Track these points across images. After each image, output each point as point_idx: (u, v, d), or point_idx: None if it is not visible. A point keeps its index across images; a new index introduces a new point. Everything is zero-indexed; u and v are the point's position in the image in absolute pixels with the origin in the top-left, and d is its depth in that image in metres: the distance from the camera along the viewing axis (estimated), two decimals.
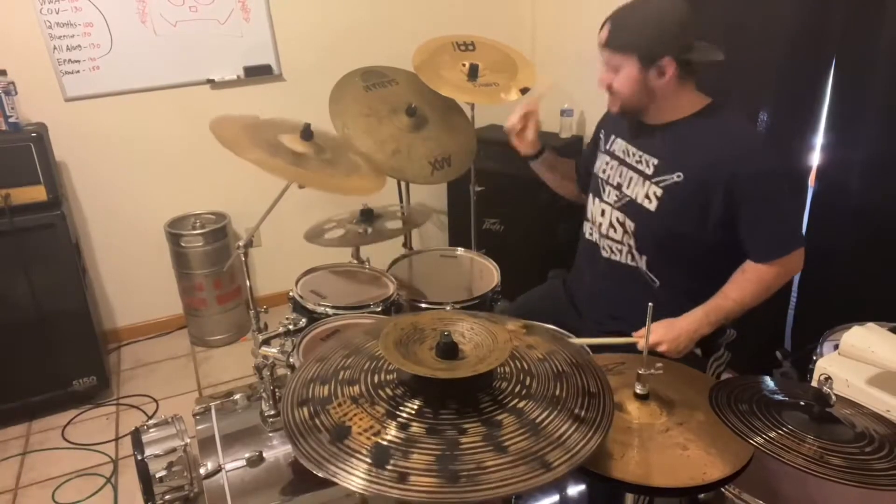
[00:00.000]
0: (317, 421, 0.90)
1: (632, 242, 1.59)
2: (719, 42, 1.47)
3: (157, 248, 2.96)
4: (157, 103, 2.82)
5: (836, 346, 1.45)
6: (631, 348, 1.39)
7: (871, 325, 1.46)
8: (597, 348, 1.34)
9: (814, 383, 1.11)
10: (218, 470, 1.46)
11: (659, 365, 1.10)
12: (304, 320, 1.68)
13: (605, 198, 1.65)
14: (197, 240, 2.87)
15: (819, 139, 2.08)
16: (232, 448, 1.54)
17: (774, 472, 1.13)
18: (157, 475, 1.47)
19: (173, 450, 1.49)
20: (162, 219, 2.93)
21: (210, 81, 2.88)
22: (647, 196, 1.54)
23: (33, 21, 2.53)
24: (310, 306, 1.70)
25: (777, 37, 2.06)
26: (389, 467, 0.81)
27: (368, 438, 0.86)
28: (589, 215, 1.72)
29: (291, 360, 1.51)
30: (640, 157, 1.57)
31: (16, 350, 2.44)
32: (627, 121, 1.63)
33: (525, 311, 1.78)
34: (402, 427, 0.88)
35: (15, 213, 2.31)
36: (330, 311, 1.68)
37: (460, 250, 2.11)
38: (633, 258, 1.60)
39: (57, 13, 2.55)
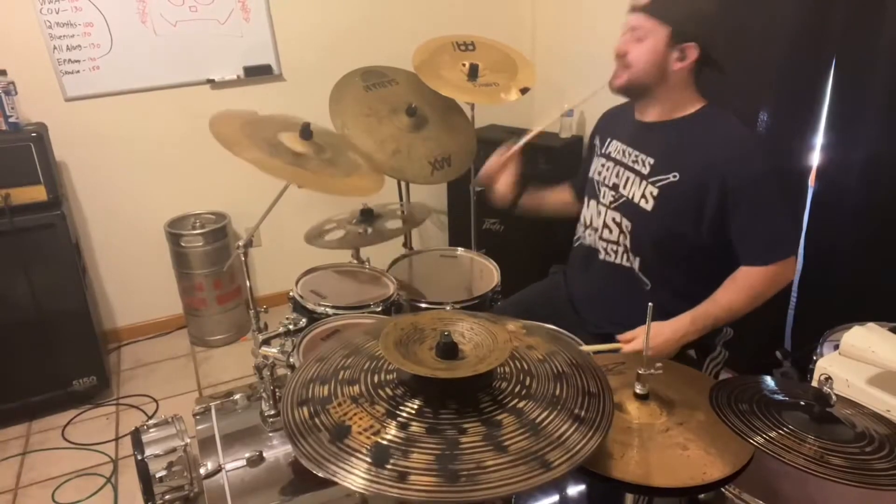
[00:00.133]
0: (317, 421, 0.90)
1: (627, 243, 1.59)
2: (719, 42, 1.47)
3: (157, 248, 2.96)
4: (157, 103, 2.82)
5: (837, 346, 1.45)
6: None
7: (871, 325, 1.46)
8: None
9: (814, 383, 1.11)
10: (218, 470, 1.46)
11: (659, 365, 1.10)
12: (304, 320, 1.68)
13: (602, 199, 1.65)
14: (197, 240, 2.87)
15: (819, 139, 2.08)
16: (232, 448, 1.54)
17: (774, 472, 1.13)
18: (158, 475, 1.47)
19: (173, 450, 1.49)
20: (162, 219, 2.93)
21: (210, 81, 2.88)
22: (643, 196, 1.54)
23: (33, 21, 2.53)
24: (310, 306, 1.70)
25: (777, 37, 2.06)
26: (389, 467, 0.81)
27: (368, 438, 0.86)
28: (583, 219, 1.72)
29: (291, 360, 1.51)
30: (637, 156, 1.57)
31: (16, 350, 2.44)
32: (626, 120, 1.63)
33: (523, 307, 1.77)
34: (402, 427, 0.88)
35: (15, 213, 2.31)
36: (330, 311, 1.68)
37: (460, 250, 2.11)
38: (627, 259, 1.60)
39: (57, 13, 2.55)
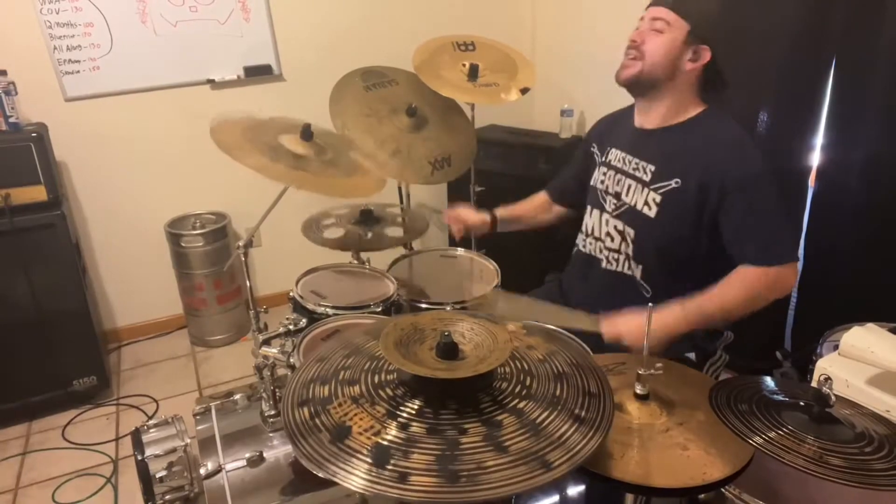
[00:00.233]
0: (317, 421, 0.90)
1: (629, 251, 1.58)
2: (719, 42, 1.48)
3: (157, 248, 2.96)
4: (157, 103, 2.82)
5: (836, 347, 1.45)
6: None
7: (871, 325, 1.46)
8: (596, 349, 1.33)
9: (814, 383, 1.11)
10: (218, 470, 1.46)
11: (659, 365, 1.10)
12: (304, 320, 1.67)
13: (605, 207, 1.65)
14: (197, 240, 2.87)
15: (819, 139, 2.08)
16: (232, 448, 1.54)
17: (774, 472, 1.13)
18: (158, 475, 1.46)
19: (173, 450, 1.48)
20: (162, 219, 2.93)
21: (210, 81, 2.88)
22: (646, 203, 1.54)
23: (33, 21, 2.53)
24: (310, 306, 1.70)
25: (777, 37, 2.06)
26: (390, 467, 0.81)
27: (369, 438, 0.86)
28: (585, 228, 1.72)
29: (292, 360, 1.51)
30: (638, 164, 1.57)
31: (16, 350, 2.44)
32: (624, 128, 1.63)
33: None
34: (403, 427, 0.88)
35: (15, 213, 2.31)
36: (330, 311, 1.68)
37: (460, 250, 2.11)
38: (629, 267, 1.60)
39: (57, 13, 2.55)
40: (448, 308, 1.71)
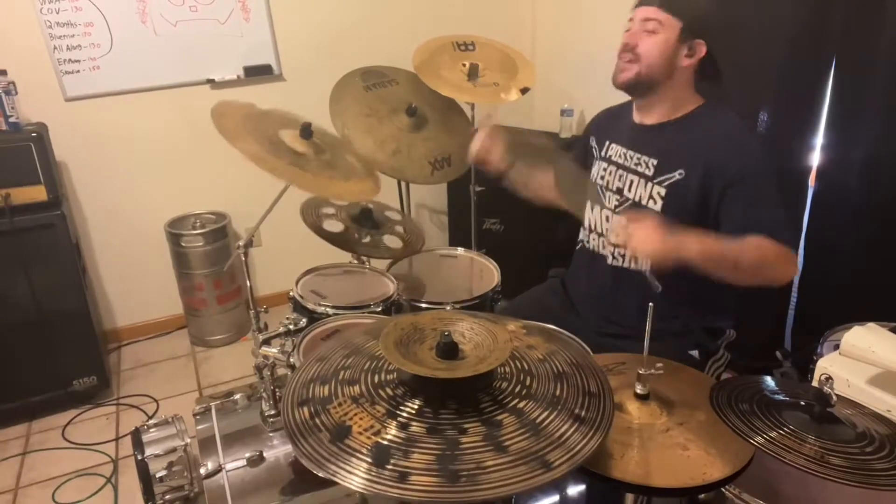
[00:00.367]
0: (317, 421, 0.90)
1: None
2: (719, 42, 1.48)
3: (157, 248, 2.96)
4: (157, 103, 2.82)
5: (837, 346, 1.45)
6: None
7: (871, 325, 1.46)
8: (597, 348, 1.33)
9: (814, 383, 1.11)
10: (218, 470, 1.46)
11: (659, 365, 1.10)
12: (304, 320, 1.67)
13: (607, 203, 1.65)
14: (197, 240, 2.87)
15: (819, 139, 2.08)
16: (232, 448, 1.54)
17: (775, 472, 1.13)
18: (158, 475, 1.47)
19: (173, 450, 1.49)
20: (162, 219, 2.93)
21: (210, 81, 2.88)
22: (650, 197, 1.54)
23: (33, 21, 2.53)
24: (310, 306, 1.70)
25: (777, 37, 2.06)
26: (390, 467, 0.81)
27: (369, 438, 0.86)
28: (588, 224, 1.72)
29: (291, 359, 1.51)
30: (639, 159, 1.57)
31: (16, 350, 2.44)
32: (623, 123, 1.63)
33: (525, 309, 1.77)
34: (403, 427, 0.88)
35: (15, 213, 2.30)
36: (330, 311, 1.68)
37: (460, 250, 2.11)
38: (636, 262, 1.59)
39: (57, 13, 2.55)
40: (448, 308, 1.71)
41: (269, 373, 1.62)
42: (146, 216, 2.93)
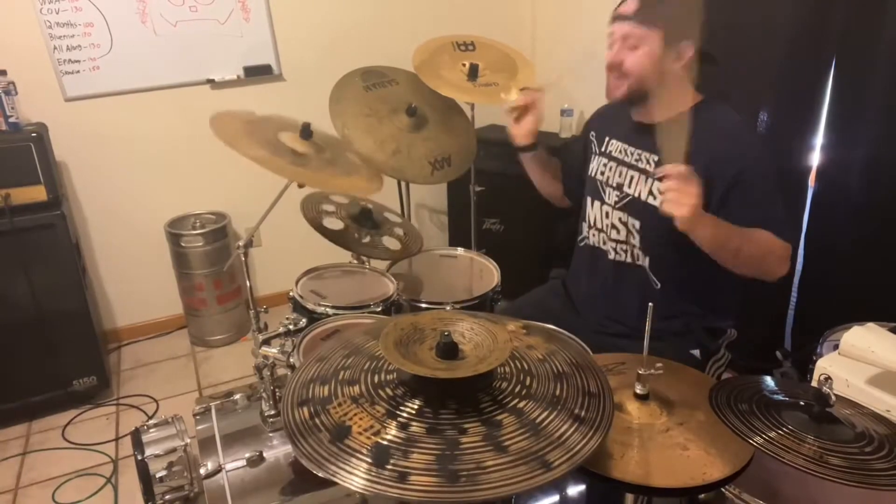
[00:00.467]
0: (317, 421, 0.90)
1: (636, 242, 1.58)
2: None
3: (157, 248, 2.96)
4: (157, 103, 2.82)
5: (836, 346, 1.45)
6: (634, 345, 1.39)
7: (871, 325, 1.46)
8: (597, 348, 1.33)
9: (814, 383, 1.11)
10: (218, 470, 1.46)
11: (659, 365, 1.10)
12: (304, 320, 1.67)
13: (606, 199, 1.65)
14: (197, 240, 2.87)
15: (819, 139, 2.08)
16: (232, 448, 1.54)
17: (774, 472, 1.13)
18: (158, 475, 1.47)
19: (173, 450, 1.49)
20: (162, 219, 2.93)
21: (210, 81, 2.88)
22: (651, 193, 1.54)
23: (33, 21, 2.53)
24: (310, 306, 1.70)
25: (777, 37, 2.06)
26: (389, 467, 0.81)
27: (368, 438, 0.86)
28: (588, 219, 1.72)
29: (291, 360, 1.51)
30: (640, 155, 1.57)
31: (16, 350, 2.44)
32: (622, 119, 1.62)
33: (525, 310, 1.78)
34: (402, 427, 0.88)
35: (15, 213, 2.31)
36: (330, 311, 1.68)
37: (460, 250, 2.11)
38: (637, 258, 1.60)
39: (57, 13, 2.55)
40: (448, 308, 1.71)
41: (269, 373, 1.62)
42: (146, 216, 2.94)
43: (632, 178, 1.58)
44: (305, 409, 0.93)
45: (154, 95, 2.80)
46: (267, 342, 1.62)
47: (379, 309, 1.70)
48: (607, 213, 1.64)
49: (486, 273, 1.96)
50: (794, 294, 2.24)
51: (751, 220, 1.42)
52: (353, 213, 2.02)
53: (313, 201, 1.97)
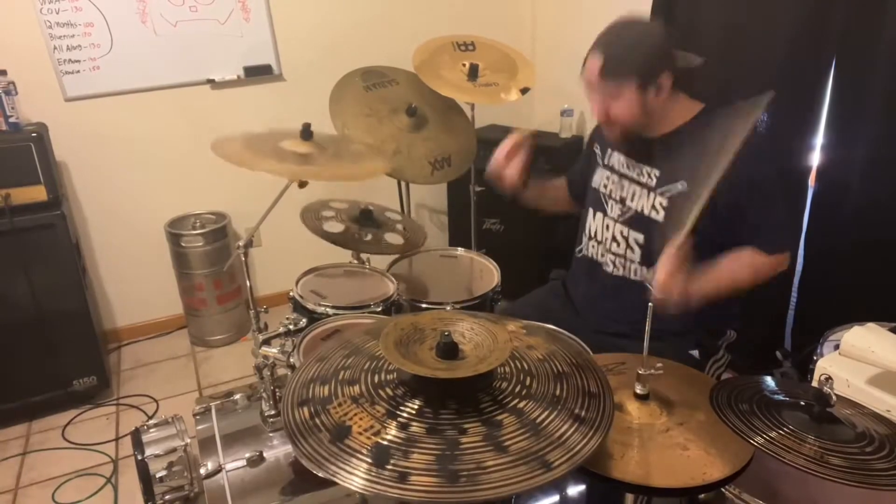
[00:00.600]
0: (317, 421, 0.90)
1: (635, 256, 1.58)
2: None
3: (157, 248, 2.96)
4: (157, 103, 2.82)
5: (837, 346, 1.45)
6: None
7: (871, 325, 1.46)
8: (597, 348, 1.33)
9: (814, 383, 1.11)
10: (218, 470, 1.46)
11: (659, 365, 1.11)
12: (304, 320, 1.68)
13: (609, 212, 1.64)
14: (197, 240, 2.87)
15: (819, 139, 2.08)
16: (232, 448, 1.54)
17: (775, 472, 1.13)
18: (158, 475, 1.47)
19: (173, 450, 1.49)
20: (162, 219, 2.93)
21: (210, 81, 2.88)
22: (653, 207, 1.54)
23: (33, 21, 2.53)
24: (310, 306, 1.70)
25: (777, 37, 2.06)
26: (389, 467, 0.81)
27: (368, 438, 0.86)
28: (588, 231, 1.71)
29: (291, 360, 1.51)
30: (641, 169, 1.57)
31: (16, 350, 2.44)
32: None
33: (525, 311, 1.77)
34: (403, 427, 0.88)
35: (15, 213, 2.30)
36: (330, 311, 1.68)
37: (460, 250, 2.11)
38: (636, 272, 1.60)
39: (57, 13, 2.55)
40: (448, 308, 1.71)
41: (269, 373, 1.62)
42: (146, 216, 2.93)
43: (634, 192, 1.58)
44: (305, 409, 0.93)
45: (154, 95, 2.80)
46: (267, 342, 1.63)
47: (379, 309, 1.70)
48: (608, 226, 1.64)
49: (486, 273, 1.96)
50: (794, 294, 2.24)
51: (751, 223, 1.42)
52: (353, 215, 2.02)
53: (312, 210, 1.97)
